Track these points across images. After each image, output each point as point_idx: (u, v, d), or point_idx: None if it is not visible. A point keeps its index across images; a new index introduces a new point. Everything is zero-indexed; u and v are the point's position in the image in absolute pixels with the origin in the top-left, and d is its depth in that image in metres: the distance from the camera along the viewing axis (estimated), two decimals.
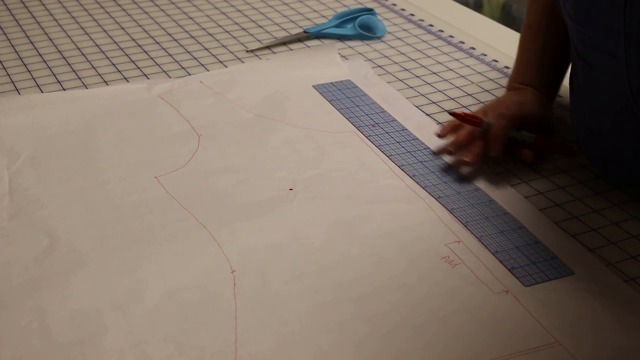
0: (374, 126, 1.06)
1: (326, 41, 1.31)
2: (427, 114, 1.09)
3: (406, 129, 1.05)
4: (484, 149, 0.95)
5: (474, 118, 0.96)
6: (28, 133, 1.03)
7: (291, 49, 1.28)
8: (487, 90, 1.15)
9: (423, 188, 0.93)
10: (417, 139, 1.03)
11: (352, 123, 1.06)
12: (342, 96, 1.13)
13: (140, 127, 1.06)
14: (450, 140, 0.98)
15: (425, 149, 1.01)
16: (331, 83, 1.16)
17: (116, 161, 0.98)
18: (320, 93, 1.13)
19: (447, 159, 0.99)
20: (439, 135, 0.99)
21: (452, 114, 0.97)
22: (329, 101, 1.11)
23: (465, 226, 0.87)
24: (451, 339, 0.73)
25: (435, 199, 0.91)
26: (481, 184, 0.94)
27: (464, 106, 1.11)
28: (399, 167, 0.97)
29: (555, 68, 1.03)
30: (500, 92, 1.15)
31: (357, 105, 1.10)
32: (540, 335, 0.73)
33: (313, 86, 1.15)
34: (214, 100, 1.12)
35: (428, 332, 0.74)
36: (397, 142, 1.02)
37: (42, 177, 0.95)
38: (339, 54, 1.26)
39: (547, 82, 1.03)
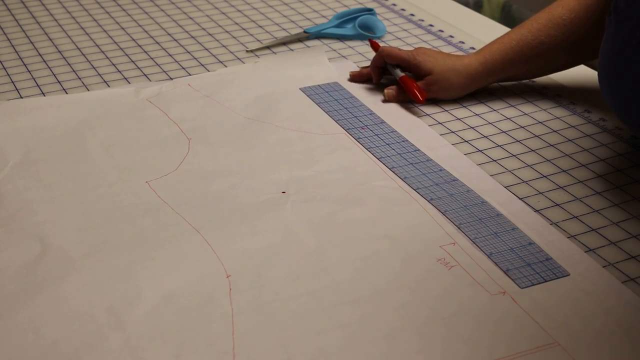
0: (363, 128, 1.05)
1: (325, 41, 1.31)
2: (418, 116, 1.09)
3: (396, 131, 1.05)
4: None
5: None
6: (17, 139, 1.02)
7: (291, 49, 1.28)
8: (486, 90, 1.15)
9: (415, 190, 0.93)
10: (407, 140, 1.03)
11: (341, 125, 1.06)
12: (330, 98, 1.13)
13: (129, 131, 1.05)
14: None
15: (416, 150, 1.00)
16: (318, 85, 1.16)
17: (106, 166, 0.97)
18: (307, 96, 1.13)
19: (434, 157, 0.99)
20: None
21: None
22: (317, 104, 1.11)
23: (459, 228, 0.87)
24: (450, 340, 0.73)
25: (428, 201, 0.91)
26: (473, 185, 0.94)
27: (464, 106, 1.12)
28: (389, 169, 0.97)
29: (508, 58, 1.10)
30: (499, 91, 1.15)
31: (346, 108, 1.10)
32: (539, 336, 0.73)
33: (300, 89, 1.15)
34: (203, 103, 1.11)
35: (427, 334, 0.73)
36: (387, 144, 1.02)
37: (32, 183, 0.94)
38: (339, 53, 1.26)
39: (489, 63, 1.10)
